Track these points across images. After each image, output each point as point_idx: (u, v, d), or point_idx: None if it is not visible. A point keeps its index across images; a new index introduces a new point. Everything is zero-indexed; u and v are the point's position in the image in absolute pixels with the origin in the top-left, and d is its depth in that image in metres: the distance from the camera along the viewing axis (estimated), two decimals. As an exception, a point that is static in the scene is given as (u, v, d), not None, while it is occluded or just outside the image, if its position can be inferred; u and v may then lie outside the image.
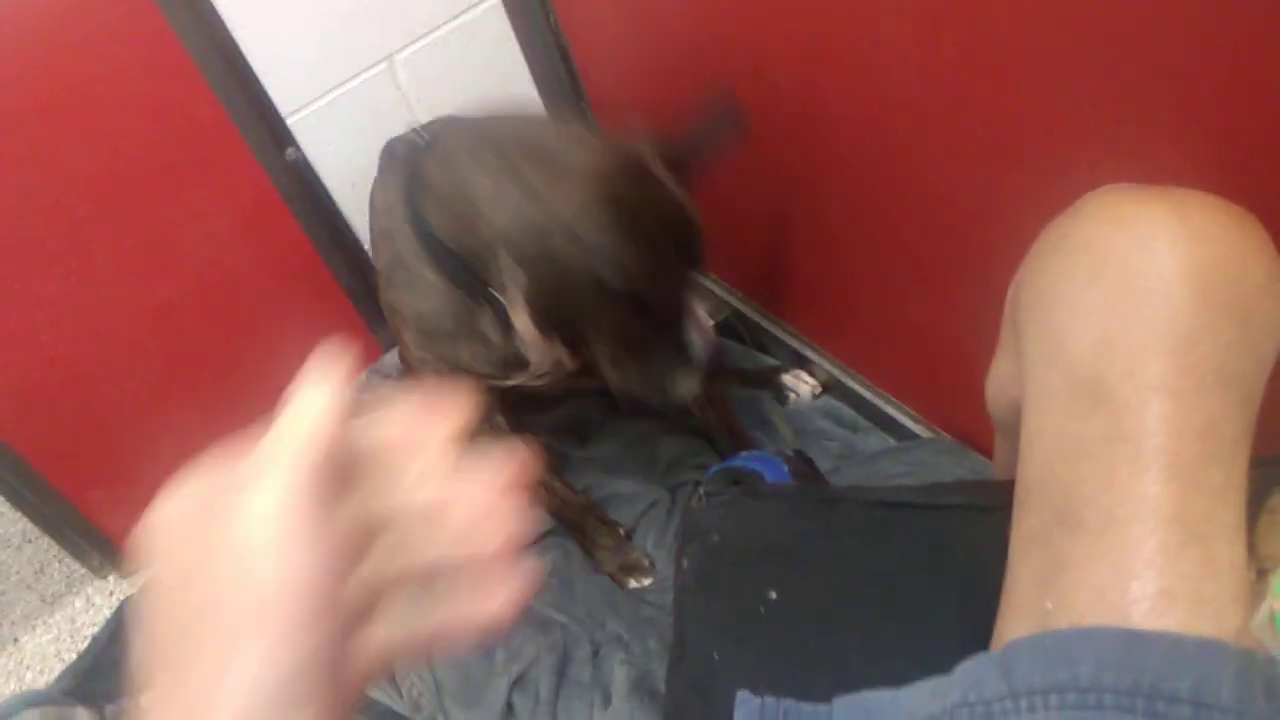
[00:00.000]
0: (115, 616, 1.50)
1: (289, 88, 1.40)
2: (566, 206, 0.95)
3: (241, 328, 1.54)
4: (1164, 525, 0.45)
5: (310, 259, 1.54)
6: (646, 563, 1.34)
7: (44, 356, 1.39)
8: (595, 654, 1.22)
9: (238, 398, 1.59)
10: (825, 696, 0.57)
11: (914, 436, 1.37)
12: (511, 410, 1.33)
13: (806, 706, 0.58)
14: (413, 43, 1.48)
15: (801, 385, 1.49)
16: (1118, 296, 0.48)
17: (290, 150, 1.44)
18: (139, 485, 1.64)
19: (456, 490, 0.36)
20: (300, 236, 1.51)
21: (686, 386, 1.09)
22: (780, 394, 1.49)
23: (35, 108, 1.24)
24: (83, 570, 1.62)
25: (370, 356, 1.69)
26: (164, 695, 0.33)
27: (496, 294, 1.05)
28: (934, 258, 1.13)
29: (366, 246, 1.53)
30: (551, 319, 1.04)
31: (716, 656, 0.65)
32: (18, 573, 1.67)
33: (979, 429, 1.26)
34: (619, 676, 1.17)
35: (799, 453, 1.23)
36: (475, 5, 1.51)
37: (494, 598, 0.36)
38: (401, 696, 1.22)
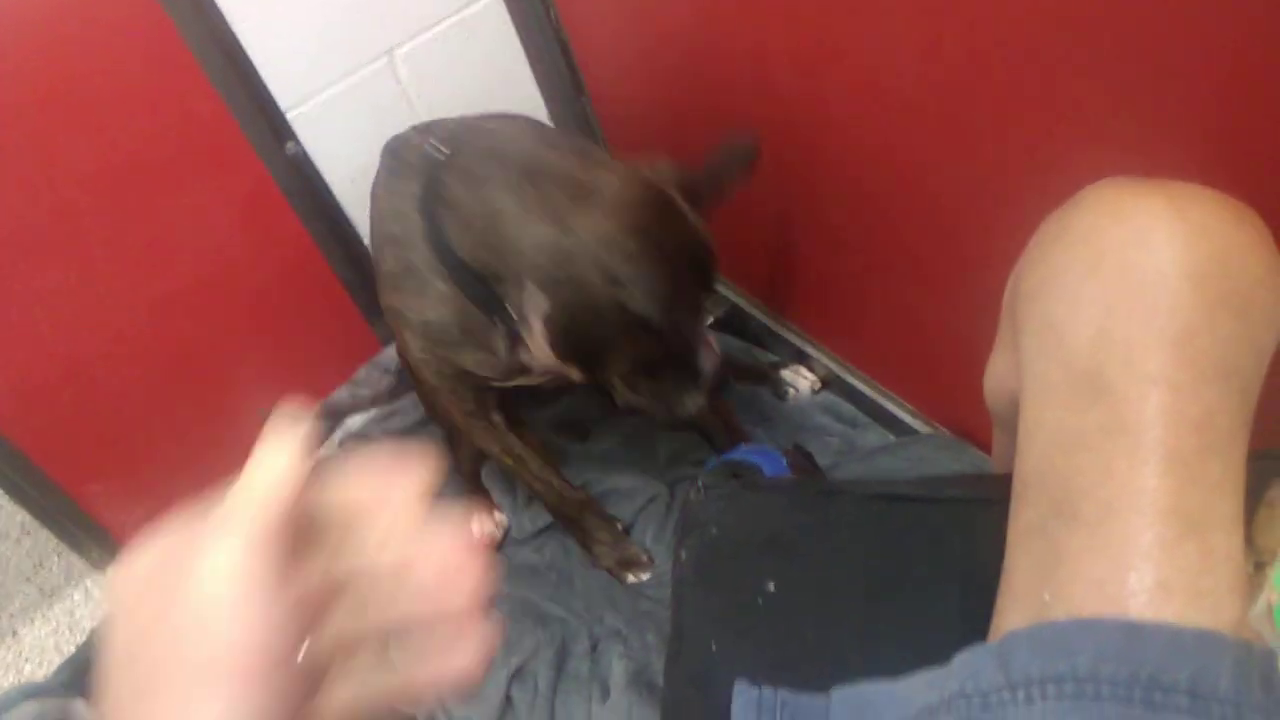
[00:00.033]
0: (114, 610, 1.50)
1: (289, 82, 1.40)
2: (595, 235, 0.97)
3: (241, 321, 1.54)
4: (1162, 517, 0.45)
5: (310, 253, 1.54)
6: (644, 558, 1.34)
7: (43, 349, 1.39)
8: (594, 648, 1.23)
9: (237, 391, 1.59)
10: (823, 687, 0.58)
11: (913, 432, 1.37)
12: (509, 406, 1.33)
13: (804, 697, 0.58)
14: (413, 37, 1.48)
15: (801, 380, 1.49)
16: (1116, 289, 0.48)
17: (290, 144, 1.43)
18: (138, 478, 1.66)
19: (421, 549, 0.37)
20: (300, 231, 1.51)
21: (694, 403, 1.14)
22: (779, 389, 1.49)
23: (35, 101, 1.24)
24: (82, 563, 1.62)
25: (369, 350, 1.69)
26: None
27: (511, 313, 1.06)
28: (933, 254, 1.13)
29: (366, 241, 1.53)
30: (572, 344, 1.06)
31: (714, 648, 0.65)
32: (16, 565, 1.67)
33: (978, 424, 1.26)
34: (617, 670, 1.17)
35: (798, 446, 1.24)
36: (476, 0, 1.51)
37: (460, 655, 0.37)
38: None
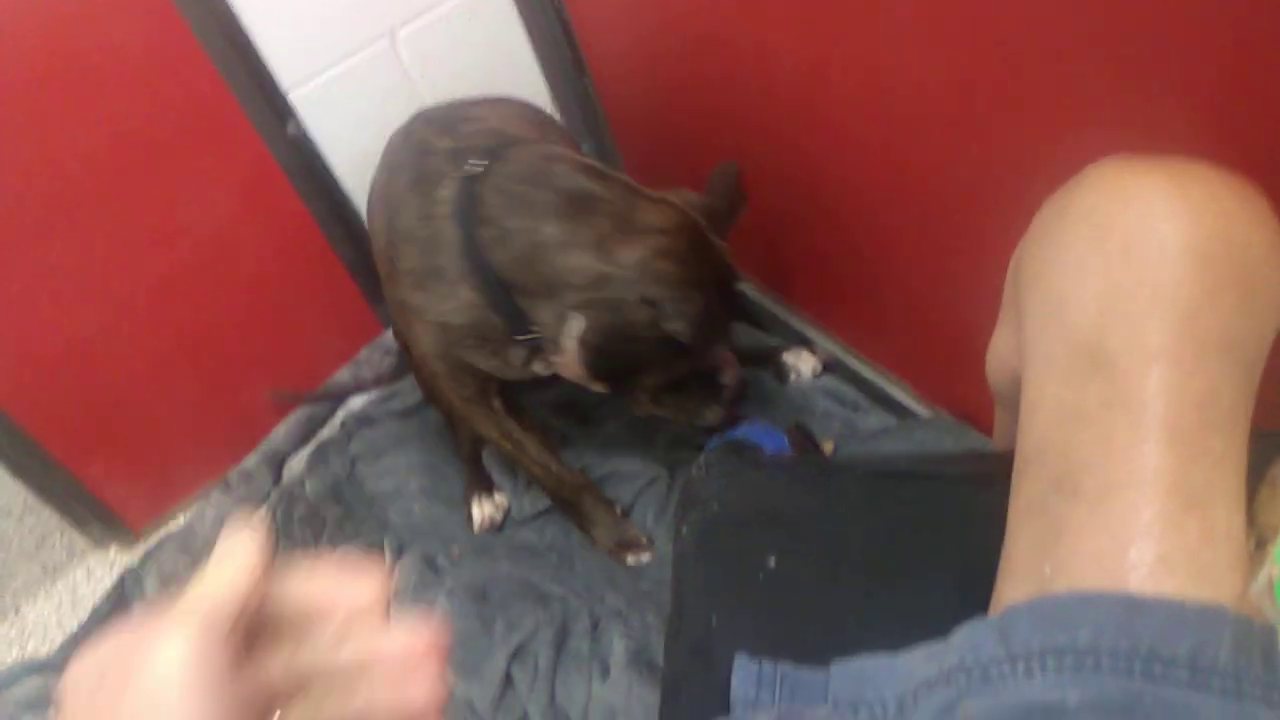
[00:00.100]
0: (116, 587, 1.51)
1: (290, 62, 1.39)
2: (635, 263, 1.04)
3: (242, 300, 1.54)
4: (1163, 493, 0.45)
5: (311, 233, 1.54)
6: (644, 540, 1.34)
7: (46, 328, 1.39)
8: (594, 627, 1.23)
9: (238, 370, 1.60)
10: (823, 661, 0.58)
11: (914, 415, 1.37)
12: (509, 392, 1.33)
13: (804, 671, 0.59)
14: (415, 18, 1.48)
15: (803, 364, 1.49)
16: (1119, 265, 0.48)
17: (291, 125, 1.43)
18: (140, 456, 1.66)
19: (381, 646, 0.38)
20: (301, 211, 1.51)
21: (715, 415, 1.23)
22: (781, 372, 1.49)
23: (35, 80, 1.23)
24: (84, 541, 1.63)
25: (370, 331, 1.69)
26: None
27: (536, 328, 1.11)
28: (934, 237, 1.13)
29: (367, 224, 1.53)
30: (605, 363, 1.12)
31: (715, 622, 0.65)
32: (19, 543, 1.68)
33: (979, 408, 1.26)
34: (617, 649, 1.18)
35: (799, 425, 1.24)
36: (478, -20, 1.51)
37: None
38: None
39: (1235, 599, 0.45)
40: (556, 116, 1.69)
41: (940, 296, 1.19)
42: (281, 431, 1.64)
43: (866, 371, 1.44)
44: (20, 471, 1.49)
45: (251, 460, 1.62)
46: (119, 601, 1.49)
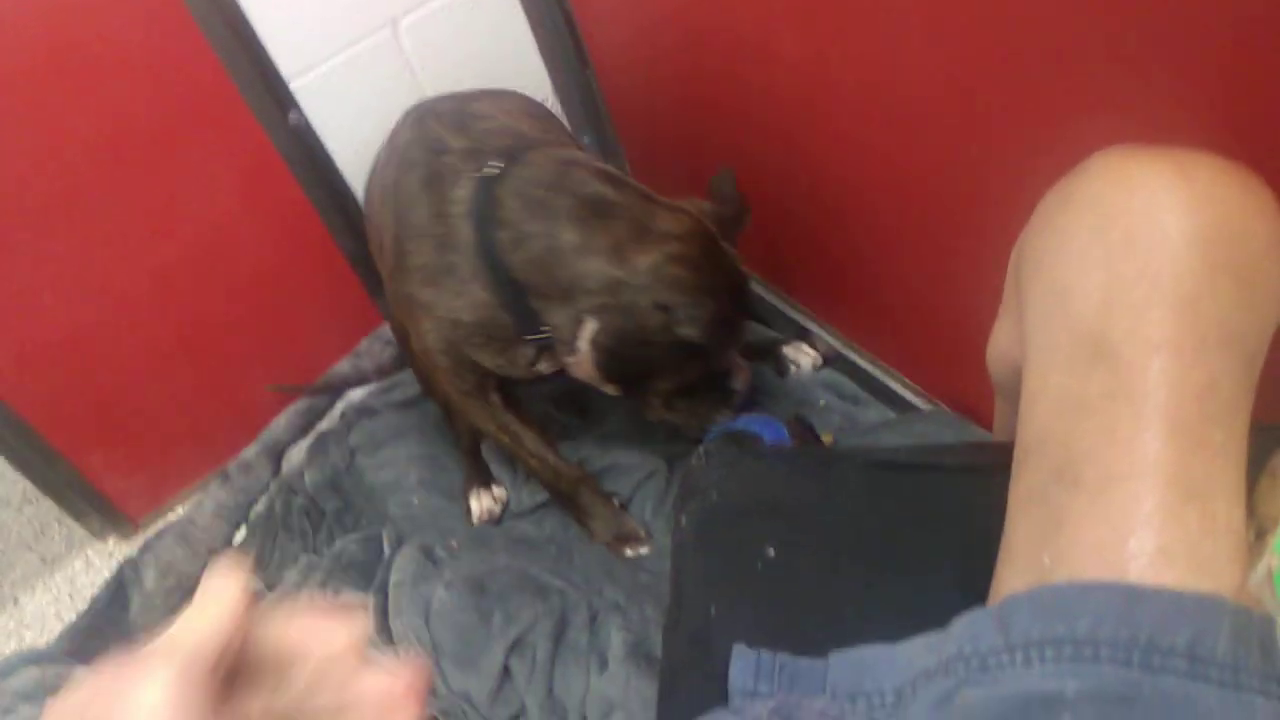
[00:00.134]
0: (114, 578, 1.51)
1: (292, 51, 1.39)
2: (650, 269, 1.06)
3: (242, 291, 1.54)
4: (1163, 483, 0.45)
5: (311, 223, 1.54)
6: (642, 532, 1.34)
7: (46, 317, 1.39)
8: (592, 620, 1.23)
9: (238, 360, 1.60)
10: (821, 651, 0.58)
11: (914, 409, 1.37)
12: (507, 385, 1.34)
13: (803, 661, 0.59)
14: (417, 7, 1.47)
15: (803, 357, 1.49)
16: (1122, 255, 0.48)
17: (293, 114, 1.43)
18: (140, 447, 1.66)
19: (360, 687, 0.39)
20: (302, 200, 1.51)
21: (725, 419, 1.25)
22: (781, 366, 1.49)
23: (35, 67, 1.23)
24: (83, 532, 1.63)
25: (370, 322, 1.69)
26: None
27: (548, 328, 1.14)
28: (935, 231, 1.13)
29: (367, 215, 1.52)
30: (618, 365, 1.14)
31: (714, 611, 0.65)
32: (18, 533, 1.68)
33: (979, 402, 1.26)
34: (616, 641, 1.18)
35: (799, 416, 1.24)
36: (480, -30, 1.51)
37: None
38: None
39: (1234, 590, 0.44)
40: (558, 107, 1.69)
41: (940, 290, 1.19)
42: (281, 422, 1.64)
43: (866, 365, 1.44)
44: (19, 462, 1.49)
45: (251, 451, 1.62)
46: (117, 592, 1.49)
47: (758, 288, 1.57)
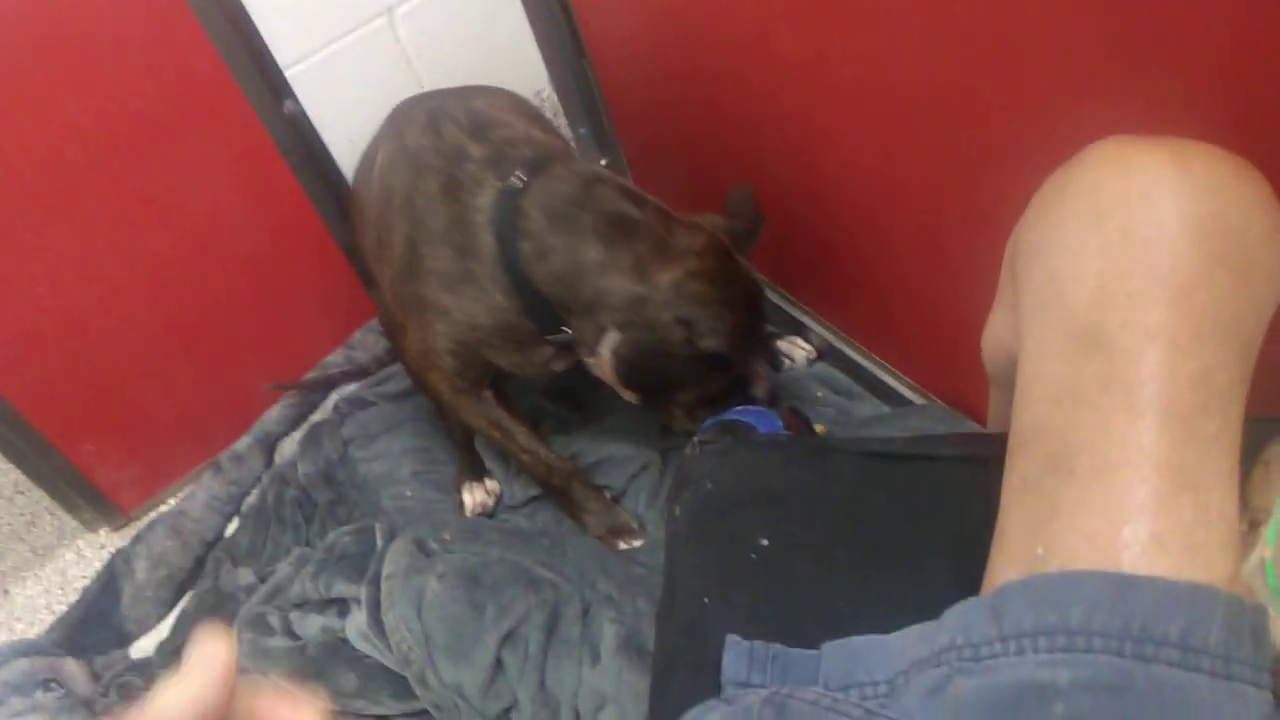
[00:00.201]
0: (106, 569, 1.50)
1: (288, 39, 1.38)
2: (670, 284, 1.09)
3: (236, 281, 1.53)
4: (1157, 472, 0.45)
5: (306, 213, 1.54)
6: (634, 525, 1.34)
7: (39, 307, 1.38)
8: (585, 612, 1.23)
9: (232, 352, 1.59)
10: (814, 641, 0.58)
11: (908, 403, 1.37)
12: (499, 380, 1.34)
13: (795, 651, 0.58)
14: (413, -4, 1.47)
15: (797, 351, 1.48)
16: (1118, 244, 0.48)
17: (289, 103, 1.42)
18: (132, 438, 1.65)
19: None
20: (297, 190, 1.51)
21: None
22: (775, 360, 1.49)
23: (30, 56, 1.22)
24: (74, 523, 1.62)
25: (365, 313, 1.68)
26: None
27: (569, 333, 1.17)
28: (930, 225, 1.13)
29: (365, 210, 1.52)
30: (638, 376, 1.18)
31: (707, 601, 0.65)
32: (9, 524, 1.67)
33: (972, 395, 1.26)
34: (608, 634, 1.18)
35: (794, 407, 1.24)
36: (477, -40, 1.50)
37: None
38: (391, 650, 1.22)
39: (1227, 580, 0.44)
40: (554, 97, 1.69)
41: (934, 285, 1.19)
42: (274, 414, 1.64)
43: (860, 359, 1.44)
44: (11, 453, 1.48)
45: (243, 443, 1.61)
46: (109, 583, 1.48)
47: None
